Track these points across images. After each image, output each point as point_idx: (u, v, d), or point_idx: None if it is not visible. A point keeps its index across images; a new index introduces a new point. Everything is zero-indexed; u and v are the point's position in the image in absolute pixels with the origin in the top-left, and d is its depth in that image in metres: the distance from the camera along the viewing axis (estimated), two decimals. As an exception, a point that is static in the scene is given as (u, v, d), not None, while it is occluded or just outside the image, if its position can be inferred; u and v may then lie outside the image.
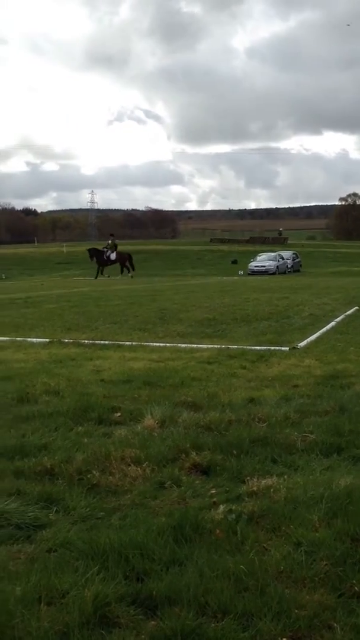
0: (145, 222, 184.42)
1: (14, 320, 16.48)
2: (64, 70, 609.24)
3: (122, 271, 47.00)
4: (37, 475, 5.12)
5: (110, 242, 48.17)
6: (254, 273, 54.32)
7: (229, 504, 4.48)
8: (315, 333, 12.98)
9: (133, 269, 47.39)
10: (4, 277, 52.74)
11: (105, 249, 47.50)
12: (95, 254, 47.13)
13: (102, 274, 46.59)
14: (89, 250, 48.29)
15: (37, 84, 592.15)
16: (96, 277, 45.58)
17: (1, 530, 4.18)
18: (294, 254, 64.84)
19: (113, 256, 47.16)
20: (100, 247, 48.79)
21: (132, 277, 45.28)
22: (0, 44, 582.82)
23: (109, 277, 45.80)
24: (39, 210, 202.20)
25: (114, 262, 47.35)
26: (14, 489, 4.81)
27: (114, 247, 47.65)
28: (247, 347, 11.06)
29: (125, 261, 47.32)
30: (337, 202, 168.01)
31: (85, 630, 3.09)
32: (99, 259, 46.94)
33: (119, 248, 48.67)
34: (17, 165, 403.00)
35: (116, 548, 3.79)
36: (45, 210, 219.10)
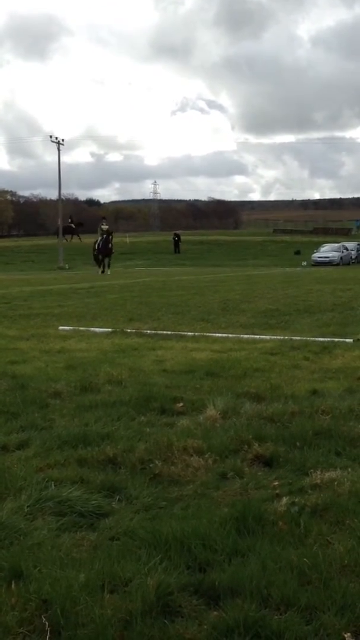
0: (207, 212, 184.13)
1: (77, 310, 16.67)
2: (129, 61, 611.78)
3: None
4: (100, 464, 5.15)
5: (105, 226, 42.37)
6: (318, 264, 53.89)
7: (292, 496, 4.43)
8: (380, 325, 12.78)
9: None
10: (67, 267, 53.34)
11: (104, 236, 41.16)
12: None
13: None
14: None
15: (102, 75, 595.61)
16: (104, 271, 40.50)
17: (65, 518, 4.21)
18: (358, 244, 63.98)
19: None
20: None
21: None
22: (67, 35, 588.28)
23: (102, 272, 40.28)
24: (102, 201, 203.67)
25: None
26: (78, 477, 4.85)
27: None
28: (311, 338, 10.95)
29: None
30: None
31: (148, 618, 3.09)
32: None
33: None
34: (81, 156, 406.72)
35: (179, 538, 3.79)
36: (108, 200, 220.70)
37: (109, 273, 39.74)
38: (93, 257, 42.71)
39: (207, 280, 30.11)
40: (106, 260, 40.90)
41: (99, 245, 41.48)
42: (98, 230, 42.96)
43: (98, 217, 56.01)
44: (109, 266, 40.83)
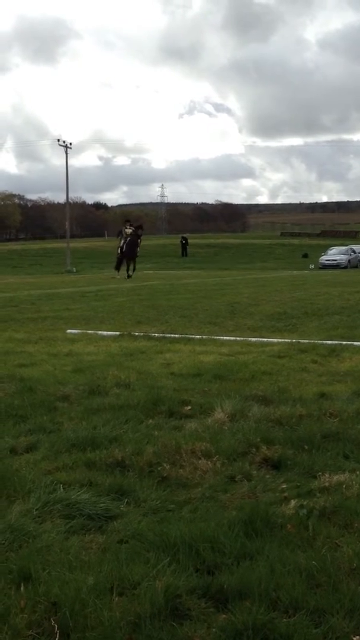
0: (215, 215, 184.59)
1: (85, 313, 16.68)
2: (136, 64, 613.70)
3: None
4: (108, 467, 5.16)
5: (130, 229, 38.46)
6: (325, 267, 53.78)
7: (300, 499, 4.43)
8: (388, 327, 12.75)
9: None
10: (75, 271, 53.34)
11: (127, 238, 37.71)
12: None
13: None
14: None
15: (110, 78, 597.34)
16: (130, 275, 37.30)
17: (73, 521, 4.22)
18: (366, 247, 63.78)
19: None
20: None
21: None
22: (75, 38, 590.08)
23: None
24: (109, 204, 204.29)
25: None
26: (86, 480, 4.86)
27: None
28: (318, 341, 10.93)
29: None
30: None
31: (157, 621, 3.10)
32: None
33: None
34: (89, 160, 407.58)
35: (187, 541, 3.79)
36: (115, 204, 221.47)
37: (119, 277, 37.90)
38: (117, 260, 41.16)
39: (215, 283, 30.10)
40: (131, 264, 38.28)
41: (122, 248, 38.86)
42: (122, 234, 41.47)
43: (103, 221, 55.22)
44: (134, 269, 38.42)
